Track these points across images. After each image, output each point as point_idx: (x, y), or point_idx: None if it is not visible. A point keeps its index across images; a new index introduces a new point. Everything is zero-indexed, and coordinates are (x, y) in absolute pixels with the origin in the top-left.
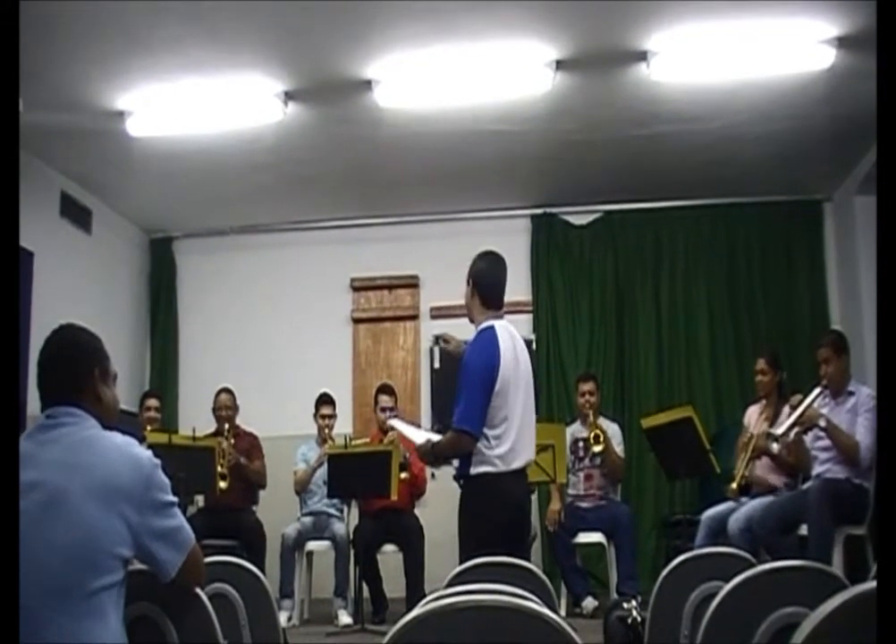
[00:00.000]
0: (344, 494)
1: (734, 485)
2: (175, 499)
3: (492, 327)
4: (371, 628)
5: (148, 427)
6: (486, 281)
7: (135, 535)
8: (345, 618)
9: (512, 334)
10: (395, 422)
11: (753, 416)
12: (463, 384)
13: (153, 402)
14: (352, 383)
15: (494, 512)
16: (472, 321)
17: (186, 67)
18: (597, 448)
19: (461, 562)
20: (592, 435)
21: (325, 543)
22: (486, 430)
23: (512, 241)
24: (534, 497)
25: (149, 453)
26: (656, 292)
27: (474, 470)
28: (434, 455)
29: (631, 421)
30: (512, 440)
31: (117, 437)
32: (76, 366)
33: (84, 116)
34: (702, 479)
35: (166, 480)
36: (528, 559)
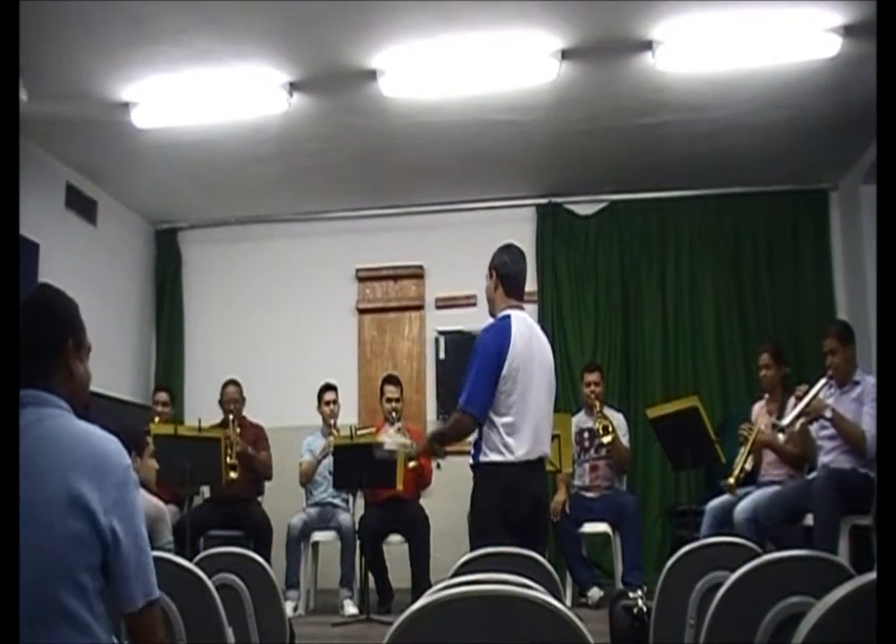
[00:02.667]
0: (350, 484)
1: (731, 479)
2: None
3: (508, 316)
4: (377, 618)
5: (157, 419)
6: (510, 271)
7: (105, 538)
8: (351, 608)
9: (531, 325)
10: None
11: (759, 411)
12: (470, 367)
13: (162, 396)
14: (358, 373)
15: (499, 501)
16: (493, 314)
17: (191, 58)
18: (606, 439)
19: (472, 550)
20: (600, 426)
21: (331, 534)
22: (494, 417)
23: (518, 231)
24: None
25: (125, 455)
26: (662, 282)
27: (483, 459)
28: (439, 440)
29: (637, 411)
30: (526, 431)
31: (88, 430)
32: (49, 337)
33: (89, 107)
34: (708, 469)
35: (140, 502)
36: (542, 551)
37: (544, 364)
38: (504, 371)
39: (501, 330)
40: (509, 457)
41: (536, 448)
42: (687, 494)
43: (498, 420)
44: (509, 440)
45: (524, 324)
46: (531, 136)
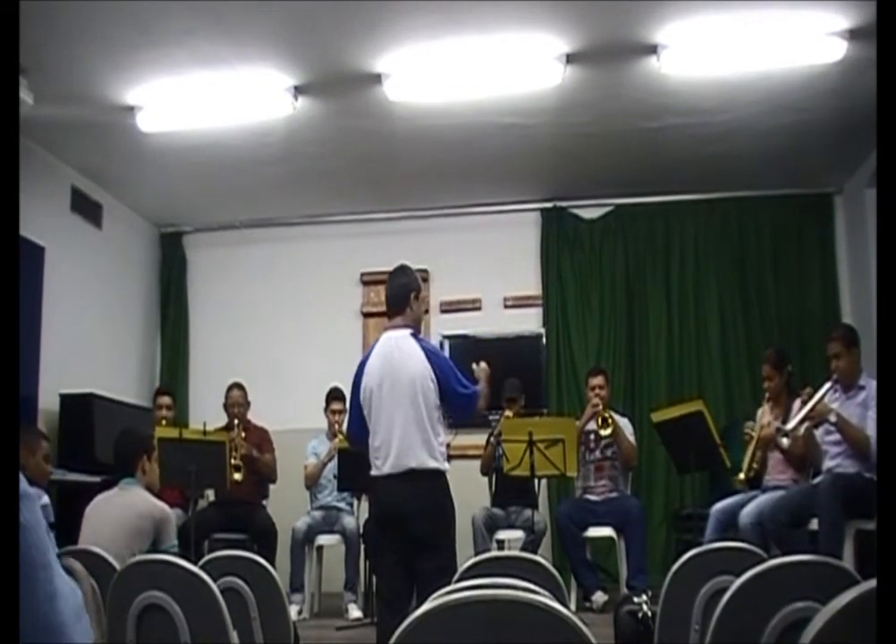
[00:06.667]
0: (354, 487)
1: (741, 475)
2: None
3: (376, 340)
4: None
5: (163, 422)
6: (386, 294)
7: None
8: (355, 612)
9: (393, 344)
10: None
11: (764, 416)
12: None
13: (165, 400)
14: None
15: (374, 513)
16: None
17: (196, 61)
18: (605, 432)
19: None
20: (600, 418)
21: (335, 537)
22: (369, 438)
23: (522, 235)
24: (543, 491)
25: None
26: (667, 286)
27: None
28: None
29: (642, 415)
30: (384, 447)
31: None
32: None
33: (94, 111)
34: (712, 473)
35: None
36: (439, 564)
37: (402, 379)
38: (361, 396)
39: (362, 361)
40: (375, 472)
41: (400, 462)
42: (691, 497)
43: (369, 441)
44: (373, 458)
45: (384, 344)
46: (536, 140)
